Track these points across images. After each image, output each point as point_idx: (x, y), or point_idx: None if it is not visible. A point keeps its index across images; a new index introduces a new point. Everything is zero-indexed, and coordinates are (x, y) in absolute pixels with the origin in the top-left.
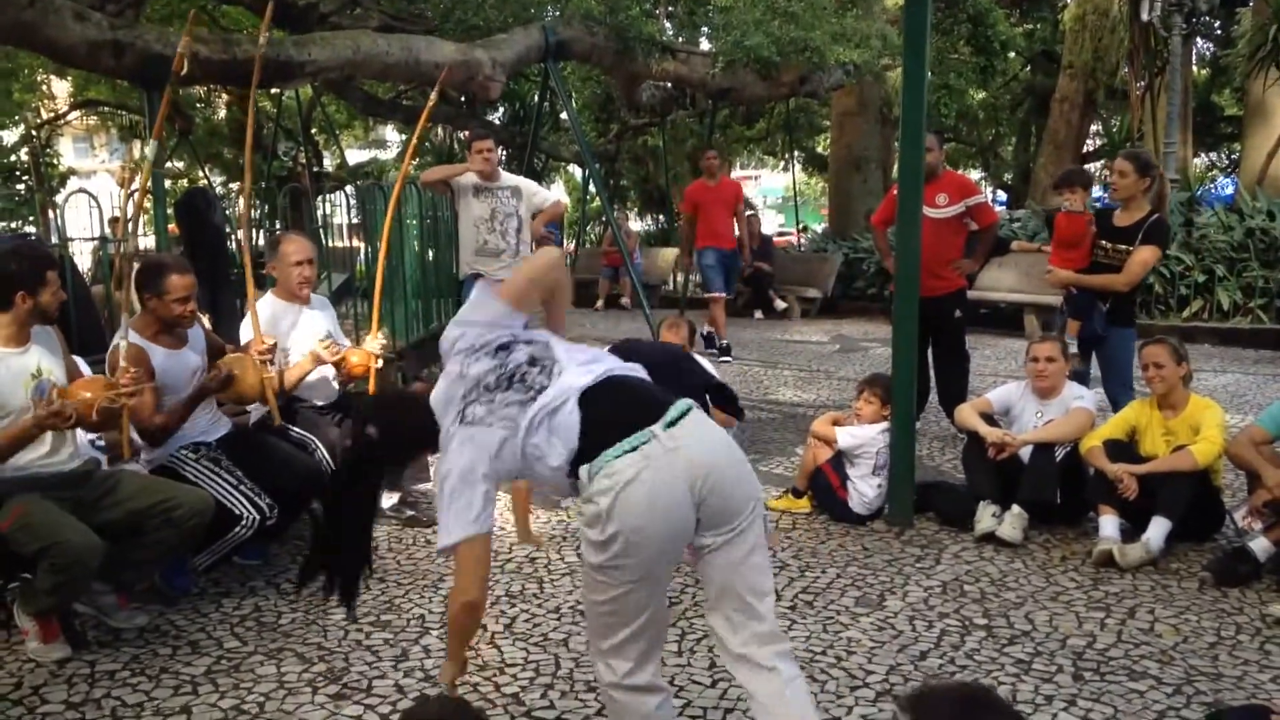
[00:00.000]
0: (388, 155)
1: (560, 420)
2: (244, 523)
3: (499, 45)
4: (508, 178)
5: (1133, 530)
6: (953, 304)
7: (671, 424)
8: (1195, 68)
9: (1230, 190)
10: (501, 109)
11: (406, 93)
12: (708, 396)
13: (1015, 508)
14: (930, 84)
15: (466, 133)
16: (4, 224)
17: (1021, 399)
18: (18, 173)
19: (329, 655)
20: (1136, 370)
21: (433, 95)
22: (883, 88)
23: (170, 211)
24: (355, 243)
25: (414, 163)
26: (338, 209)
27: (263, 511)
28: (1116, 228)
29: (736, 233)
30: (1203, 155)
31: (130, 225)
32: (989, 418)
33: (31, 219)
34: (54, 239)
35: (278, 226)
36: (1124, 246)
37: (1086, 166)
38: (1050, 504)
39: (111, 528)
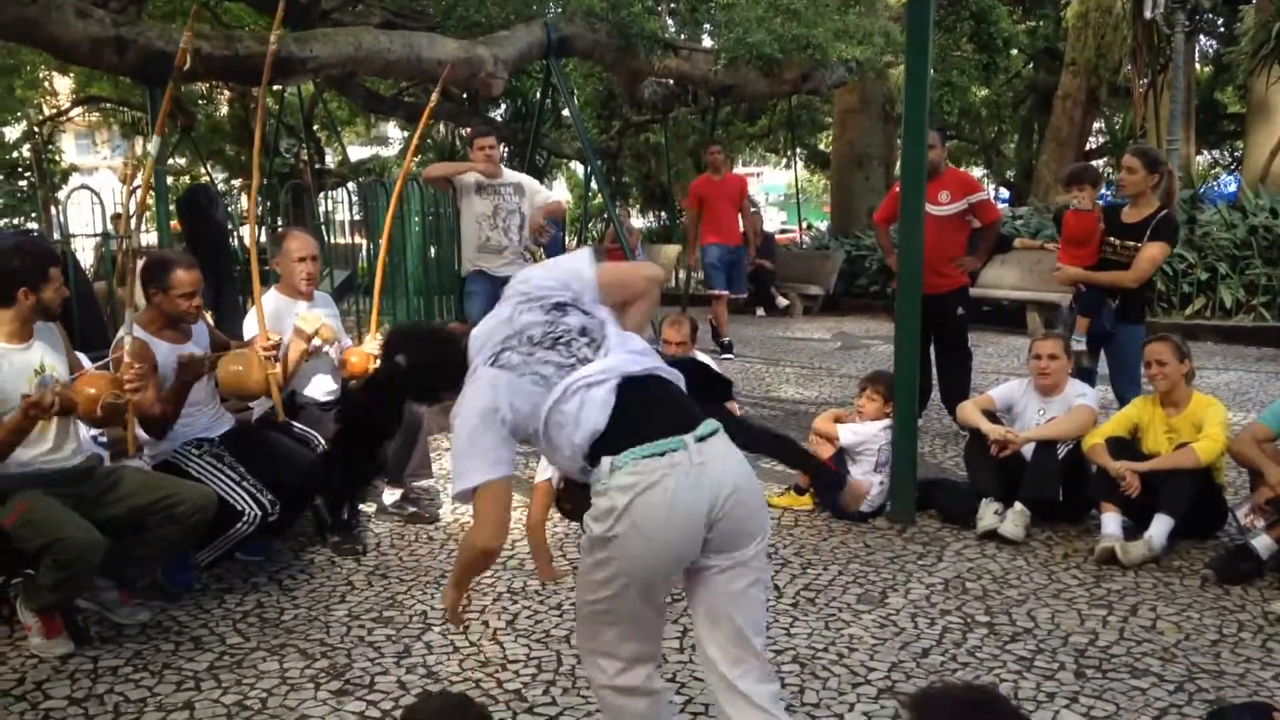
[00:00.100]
0: (389, 152)
1: (596, 395)
2: (246, 519)
3: (501, 42)
4: (510, 175)
5: (1135, 528)
6: (955, 301)
7: (702, 438)
8: (1198, 65)
9: (1233, 188)
10: (503, 106)
11: (408, 90)
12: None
13: (1017, 505)
14: (933, 81)
15: (468, 129)
16: (6, 220)
17: (1024, 396)
18: (20, 169)
19: (331, 651)
20: None
21: (435, 95)
22: (885, 85)
23: (172, 208)
24: (357, 239)
25: (416, 160)
26: (339, 206)
27: (264, 508)
28: (1125, 224)
29: (741, 228)
30: (1205, 153)
31: (133, 222)
32: (991, 415)
33: (34, 215)
34: (56, 235)
35: (280, 223)
36: (1132, 243)
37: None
38: (1052, 501)
39: (114, 524)
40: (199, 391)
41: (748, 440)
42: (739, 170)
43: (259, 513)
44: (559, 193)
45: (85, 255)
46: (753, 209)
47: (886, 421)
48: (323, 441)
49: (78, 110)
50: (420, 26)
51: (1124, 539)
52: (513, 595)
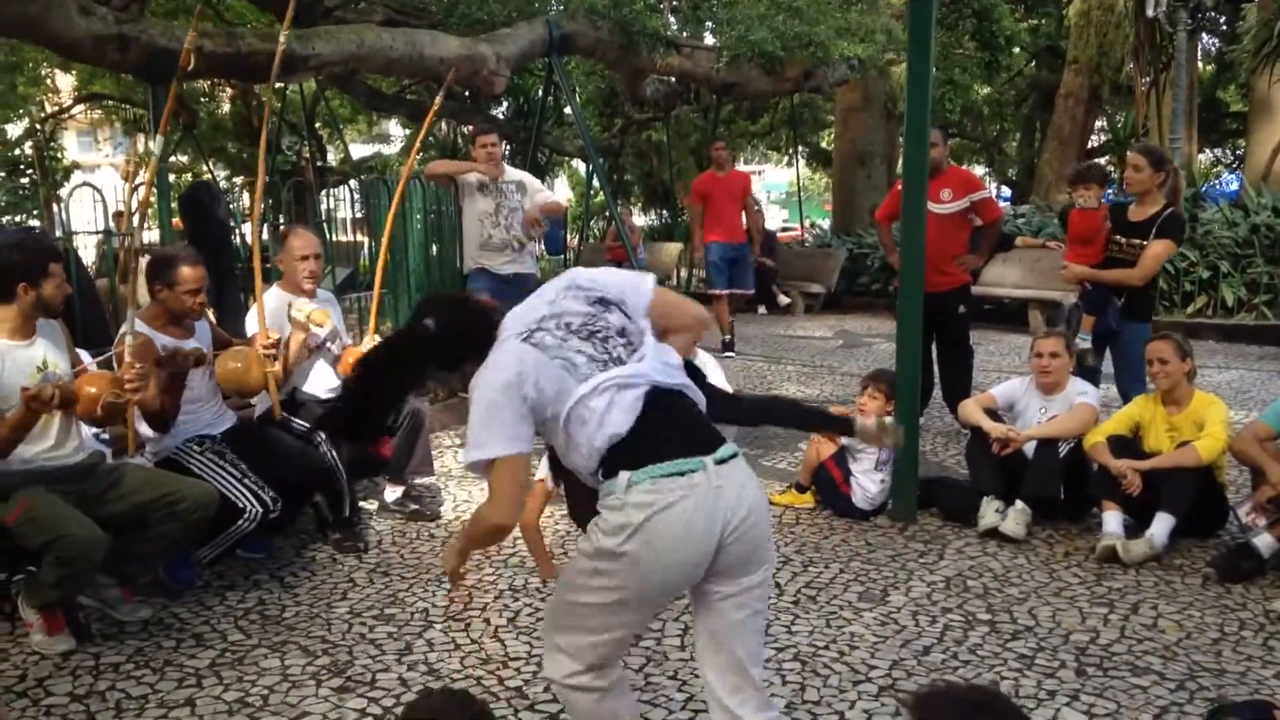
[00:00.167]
0: (391, 150)
1: (626, 398)
2: (247, 516)
3: (503, 40)
4: (512, 172)
5: (1136, 526)
6: (957, 299)
7: (721, 461)
8: (1200, 63)
9: (1235, 186)
10: (505, 104)
11: (410, 87)
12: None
13: (1019, 503)
14: (935, 79)
15: (470, 127)
16: (9, 218)
17: (1025, 394)
18: (22, 166)
19: (333, 649)
20: None
21: (439, 97)
22: (887, 83)
23: (174, 205)
24: (359, 237)
25: (418, 156)
26: (341, 203)
27: (266, 505)
28: (1131, 223)
29: (745, 225)
30: (1207, 151)
31: (135, 219)
32: (993, 413)
33: (36, 213)
34: (58, 233)
35: (282, 221)
36: (1138, 241)
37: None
38: (1054, 499)
39: (116, 521)
40: (200, 388)
41: (753, 416)
42: (741, 168)
43: (260, 510)
44: (560, 191)
45: (87, 253)
46: (755, 207)
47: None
48: (324, 436)
49: (80, 108)
50: (422, 24)
51: (1125, 537)
52: (514, 592)
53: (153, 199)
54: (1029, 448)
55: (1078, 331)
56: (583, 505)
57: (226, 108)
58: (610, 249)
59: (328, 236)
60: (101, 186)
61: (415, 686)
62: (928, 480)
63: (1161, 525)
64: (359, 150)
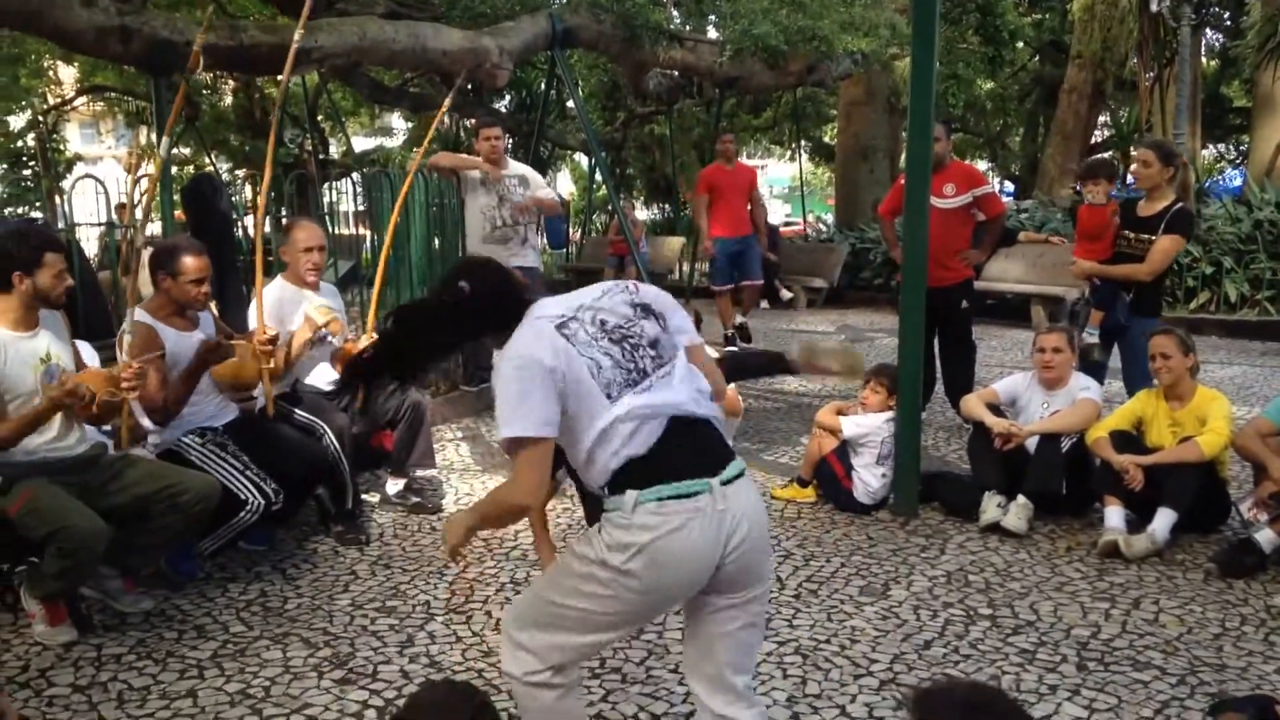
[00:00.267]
0: (394, 143)
1: (653, 425)
2: (249, 508)
3: (506, 33)
4: (515, 166)
5: (1138, 521)
6: (960, 294)
7: (726, 481)
8: (1204, 59)
9: (1238, 182)
10: (508, 97)
11: (413, 80)
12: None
13: (1020, 498)
14: (938, 73)
15: (473, 120)
16: (11, 209)
17: (1028, 390)
18: (24, 158)
19: (334, 640)
20: None
21: (449, 98)
22: (891, 77)
23: (177, 198)
24: (361, 230)
25: (424, 149)
26: (344, 196)
27: (268, 496)
28: (1140, 218)
29: (752, 218)
30: (1211, 147)
31: (140, 217)
32: (995, 408)
33: (38, 205)
34: (61, 225)
35: (284, 213)
36: (1147, 236)
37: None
38: (1056, 495)
39: (118, 512)
40: (203, 380)
41: (732, 370)
42: (743, 162)
43: (262, 501)
44: (563, 185)
45: (90, 245)
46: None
47: (890, 414)
48: (327, 429)
49: (82, 99)
50: (425, 17)
51: (1127, 532)
52: (515, 586)
53: (155, 193)
54: (1031, 443)
55: (1085, 326)
56: (595, 503)
57: (229, 100)
58: (613, 243)
59: (330, 229)
60: (104, 178)
61: (417, 679)
62: (929, 475)
63: (1163, 520)
64: (361, 143)
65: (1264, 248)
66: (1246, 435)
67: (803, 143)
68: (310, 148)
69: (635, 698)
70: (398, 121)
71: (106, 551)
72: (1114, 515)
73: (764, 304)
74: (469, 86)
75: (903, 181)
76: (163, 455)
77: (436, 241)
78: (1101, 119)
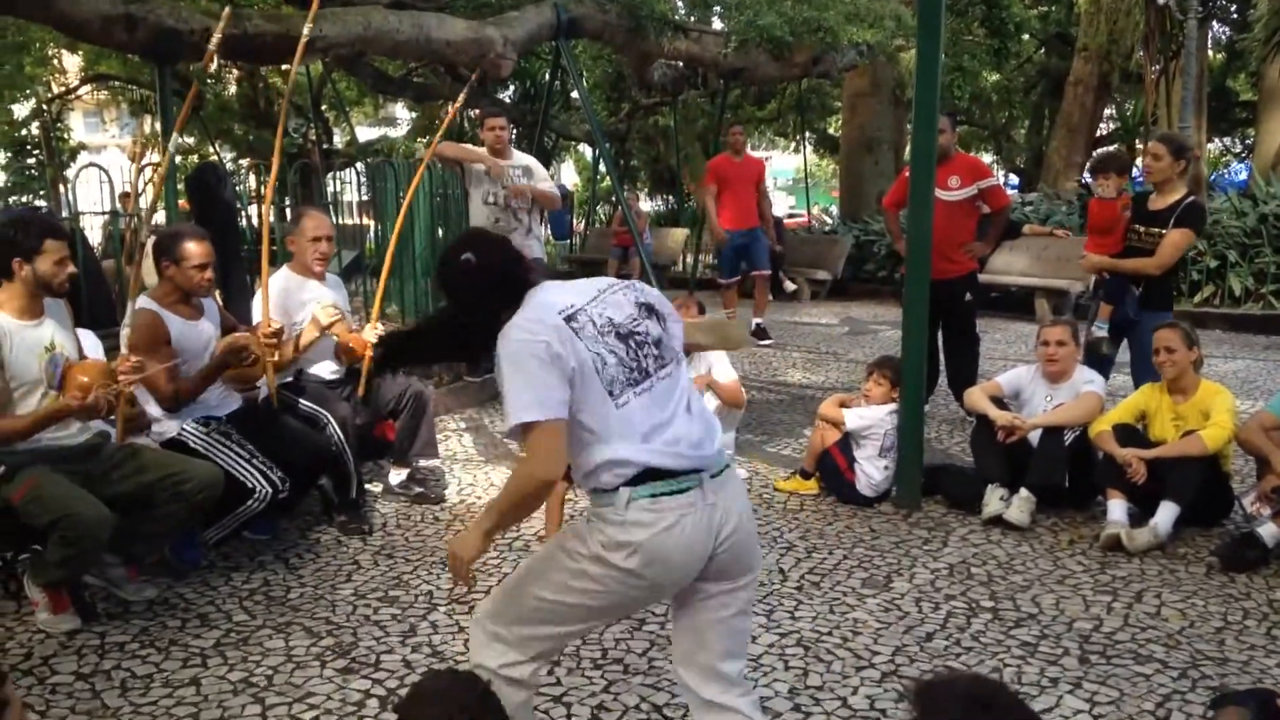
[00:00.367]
0: (398, 133)
1: (651, 424)
2: (257, 496)
3: (510, 23)
4: (519, 157)
5: (1141, 515)
6: (964, 287)
7: (715, 475)
8: (1210, 52)
9: (1244, 176)
10: (512, 87)
11: (417, 70)
12: (714, 377)
13: (1023, 491)
14: (944, 65)
15: (477, 110)
16: (15, 198)
17: (1031, 383)
18: (29, 147)
19: (337, 630)
20: None
21: (461, 96)
22: (896, 69)
23: (181, 187)
24: (365, 220)
25: (437, 142)
26: (348, 186)
27: (275, 485)
28: (1151, 211)
29: (760, 210)
30: (1217, 140)
31: (142, 201)
32: (998, 401)
33: (42, 193)
34: (65, 213)
35: (288, 203)
36: (1158, 230)
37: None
38: (1059, 488)
39: (121, 500)
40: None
41: None
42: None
43: (270, 490)
44: (567, 176)
45: (94, 233)
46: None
47: (893, 406)
48: (330, 419)
49: (86, 88)
50: (429, 6)
51: (1129, 526)
52: None
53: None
54: (1034, 436)
55: (1095, 320)
56: None
57: (233, 89)
58: (616, 234)
59: (334, 219)
60: (108, 167)
61: (419, 668)
62: (932, 467)
63: (1166, 514)
64: (365, 133)
65: (1269, 242)
66: (1250, 429)
67: (807, 134)
68: (314, 137)
69: (637, 688)
70: (401, 111)
71: (110, 539)
72: (1116, 508)
73: (769, 296)
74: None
75: (907, 174)
76: (166, 444)
77: (440, 232)
78: (1107, 112)
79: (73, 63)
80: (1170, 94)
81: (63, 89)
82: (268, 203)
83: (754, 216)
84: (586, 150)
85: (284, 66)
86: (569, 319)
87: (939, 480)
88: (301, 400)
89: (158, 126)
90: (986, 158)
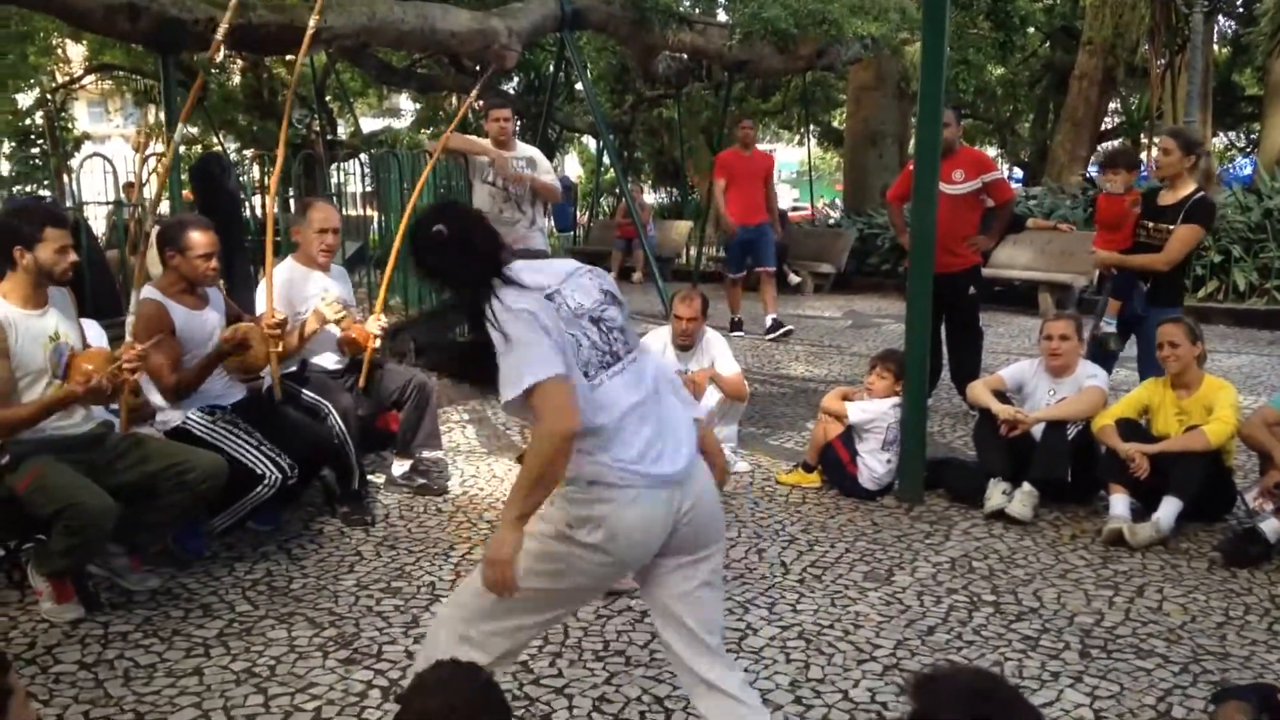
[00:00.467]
0: (402, 124)
1: (620, 406)
2: (267, 482)
3: (515, 14)
4: (523, 148)
5: (1143, 509)
6: (967, 281)
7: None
8: (1216, 46)
9: (1249, 170)
10: (516, 79)
11: (421, 61)
12: (717, 370)
13: (1026, 485)
14: (949, 59)
15: (482, 102)
16: (19, 188)
17: (1034, 377)
18: (32, 136)
19: (340, 621)
20: None
21: (473, 93)
22: (901, 62)
23: (185, 177)
24: (369, 211)
25: (448, 135)
26: (351, 177)
27: (284, 471)
28: (1160, 207)
29: (767, 205)
30: (1222, 135)
31: (151, 201)
32: (1001, 395)
33: (46, 183)
34: (69, 203)
35: (292, 194)
36: (1166, 226)
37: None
38: (1061, 482)
39: (125, 490)
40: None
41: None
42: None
43: (279, 476)
44: (571, 168)
45: (98, 223)
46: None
47: (896, 400)
48: (332, 409)
49: (90, 78)
50: None
51: (1132, 520)
52: None
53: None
54: (1037, 430)
55: (1103, 316)
56: None
57: (237, 80)
58: (620, 226)
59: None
60: (112, 157)
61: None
62: (935, 461)
63: (1168, 509)
64: (369, 124)
65: (1273, 236)
66: (1253, 424)
67: (811, 127)
68: (318, 128)
69: (639, 680)
70: (406, 103)
71: (114, 529)
72: (1119, 503)
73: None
74: (477, 68)
75: (911, 167)
76: (171, 434)
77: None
78: (1112, 106)
79: (77, 52)
80: (1175, 88)
81: (67, 78)
82: (272, 193)
83: (762, 212)
84: (590, 142)
85: (288, 57)
86: (551, 296)
87: (941, 474)
88: (304, 391)
89: (162, 116)
90: (991, 151)
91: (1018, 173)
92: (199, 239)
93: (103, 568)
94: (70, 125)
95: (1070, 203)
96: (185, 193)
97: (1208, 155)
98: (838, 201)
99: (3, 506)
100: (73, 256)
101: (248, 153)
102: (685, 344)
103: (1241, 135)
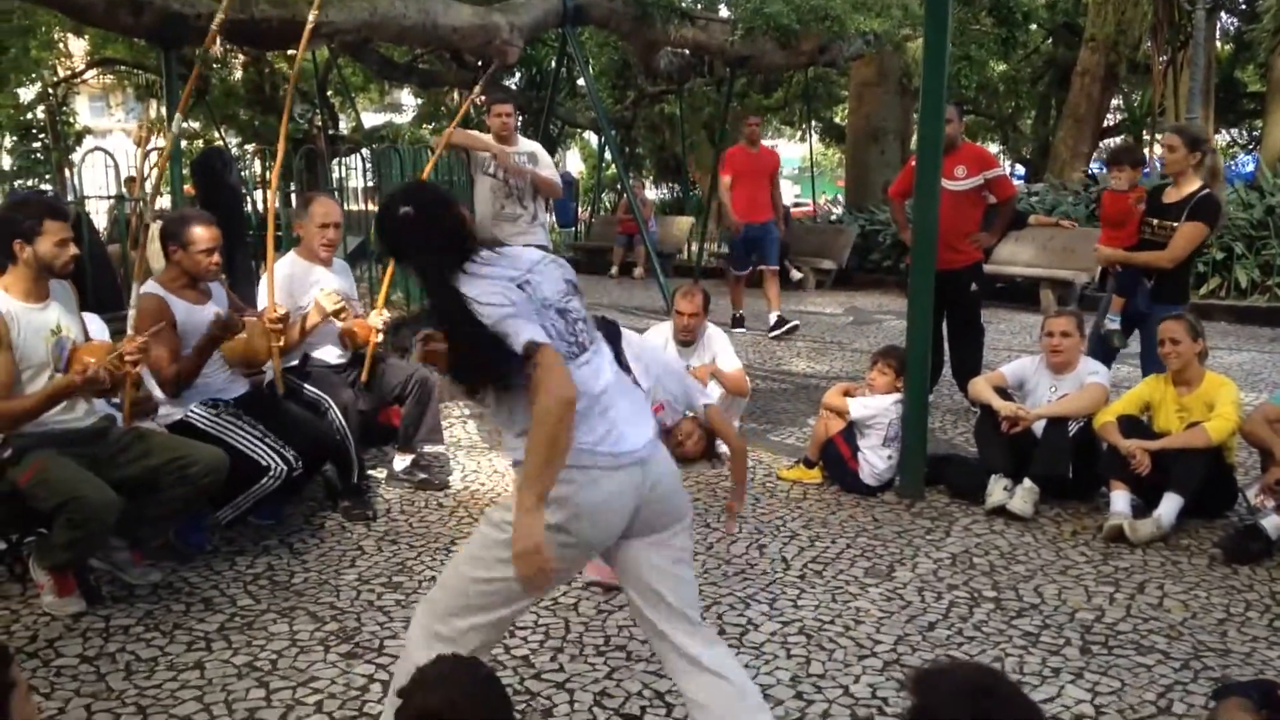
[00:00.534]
0: (403, 119)
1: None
2: (272, 473)
3: (517, 9)
4: (524, 144)
5: (1144, 506)
6: (969, 277)
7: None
8: (1219, 42)
9: (1251, 167)
10: (518, 74)
11: (422, 56)
12: (719, 366)
13: (1027, 482)
14: (951, 55)
15: (483, 97)
16: (21, 182)
17: (1036, 373)
18: (34, 131)
19: (341, 615)
20: None
21: (478, 88)
22: (903, 58)
23: (186, 172)
24: (370, 206)
25: (451, 129)
26: (353, 172)
27: (289, 463)
28: (1164, 204)
29: (773, 203)
30: (1224, 132)
31: (148, 186)
32: (1003, 392)
33: (48, 177)
34: (70, 197)
35: (293, 188)
36: (1170, 223)
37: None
38: (1063, 479)
39: (127, 484)
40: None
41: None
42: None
43: (285, 467)
44: (572, 164)
45: (99, 218)
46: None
47: (897, 396)
48: (333, 404)
49: (92, 72)
50: None
51: (1133, 517)
52: None
53: (165, 172)
54: (1038, 427)
55: (1107, 312)
56: None
57: (239, 74)
58: (622, 222)
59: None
60: (114, 151)
61: None
62: (936, 457)
63: (1169, 505)
64: (371, 119)
65: (1275, 234)
66: (1254, 421)
67: (813, 124)
68: (320, 123)
69: (640, 675)
70: (407, 98)
71: (116, 523)
72: (1120, 500)
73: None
74: (479, 63)
75: (913, 163)
76: (173, 427)
77: None
78: (1114, 103)
79: (78, 47)
80: (1178, 85)
81: (68, 73)
82: (273, 188)
83: (767, 209)
84: (592, 138)
85: (290, 52)
86: (522, 285)
87: (942, 470)
88: (305, 386)
89: (163, 111)
90: (993, 148)
91: (1020, 169)
92: (201, 234)
93: (104, 562)
94: (72, 120)
95: (1072, 199)
96: (187, 188)
97: (1214, 152)
98: (839, 198)
99: (5, 500)
100: (73, 249)
101: (249, 148)
102: (687, 340)
103: (1243, 132)
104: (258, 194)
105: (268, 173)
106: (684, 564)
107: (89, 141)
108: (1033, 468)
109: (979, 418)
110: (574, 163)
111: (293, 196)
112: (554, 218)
